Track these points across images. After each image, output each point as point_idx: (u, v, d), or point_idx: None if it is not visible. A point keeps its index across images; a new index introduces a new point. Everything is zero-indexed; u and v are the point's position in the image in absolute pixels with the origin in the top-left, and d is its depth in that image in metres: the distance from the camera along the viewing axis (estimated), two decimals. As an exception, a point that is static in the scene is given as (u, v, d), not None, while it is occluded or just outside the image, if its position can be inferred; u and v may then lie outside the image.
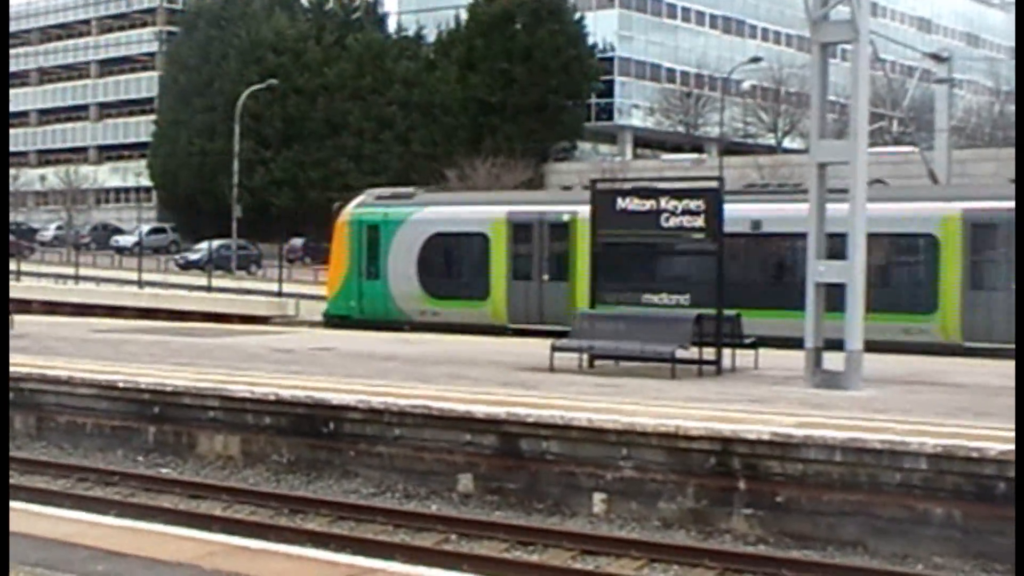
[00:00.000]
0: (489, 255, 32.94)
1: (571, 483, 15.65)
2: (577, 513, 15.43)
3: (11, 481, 17.40)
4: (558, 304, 31.59)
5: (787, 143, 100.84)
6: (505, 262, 32.98)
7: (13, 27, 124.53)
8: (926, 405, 17.07)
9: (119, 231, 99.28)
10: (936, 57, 51.57)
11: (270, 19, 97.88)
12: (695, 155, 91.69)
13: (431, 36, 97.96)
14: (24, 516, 11.70)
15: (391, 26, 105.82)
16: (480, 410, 16.38)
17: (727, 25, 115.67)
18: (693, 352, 21.46)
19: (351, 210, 36.84)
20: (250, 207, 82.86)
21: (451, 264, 35.18)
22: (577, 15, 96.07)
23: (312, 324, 40.48)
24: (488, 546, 14.04)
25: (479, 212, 34.38)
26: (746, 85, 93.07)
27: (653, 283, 25.77)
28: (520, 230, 31.97)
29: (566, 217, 32.02)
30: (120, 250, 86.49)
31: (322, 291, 41.16)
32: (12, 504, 12.71)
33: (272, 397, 18.15)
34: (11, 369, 21.61)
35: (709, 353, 21.57)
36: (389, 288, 34.58)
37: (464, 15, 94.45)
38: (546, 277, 32.35)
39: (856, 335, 18.78)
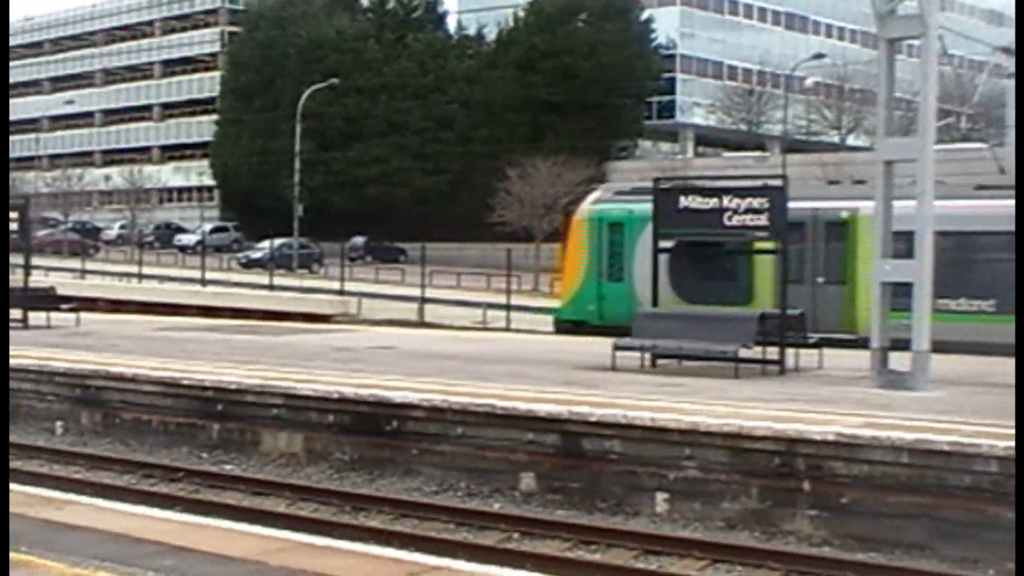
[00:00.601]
0: (752, 255, 28.75)
1: (633, 483, 15.58)
2: (639, 513, 15.35)
3: (79, 476, 17.60)
4: (833, 310, 28.59)
5: (851, 140, 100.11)
6: (771, 263, 29.80)
7: (79, 29, 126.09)
8: (994, 407, 16.85)
9: (182, 230, 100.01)
10: (1007, 51, 50.89)
11: (330, 19, 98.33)
12: (757, 153, 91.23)
13: (491, 35, 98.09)
14: (91, 511, 11.79)
15: (451, 25, 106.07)
16: (542, 409, 16.33)
17: (790, 21, 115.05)
18: (756, 352, 21.32)
19: (588, 207, 33.49)
20: (311, 206, 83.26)
21: (707, 265, 31.10)
22: (639, 13, 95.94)
23: (373, 322, 40.55)
24: (550, 545, 14.00)
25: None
26: (809, 82, 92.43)
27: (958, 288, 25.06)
28: (789, 229, 27.36)
29: (844, 214, 29.37)
30: (183, 249, 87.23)
31: (384, 289, 41.29)
32: (79, 498, 12.82)
33: (335, 395, 18.19)
34: (78, 366, 21.81)
35: (772, 353, 21.42)
36: (635, 291, 30.40)
37: (523, 14, 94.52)
38: (820, 280, 29.36)
39: (924, 335, 18.57)
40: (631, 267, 31.07)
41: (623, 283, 31.41)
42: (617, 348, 21.99)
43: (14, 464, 18.51)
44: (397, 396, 17.66)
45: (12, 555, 9.24)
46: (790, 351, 21.53)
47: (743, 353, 20.92)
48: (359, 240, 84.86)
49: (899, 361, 18.98)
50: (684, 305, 28.19)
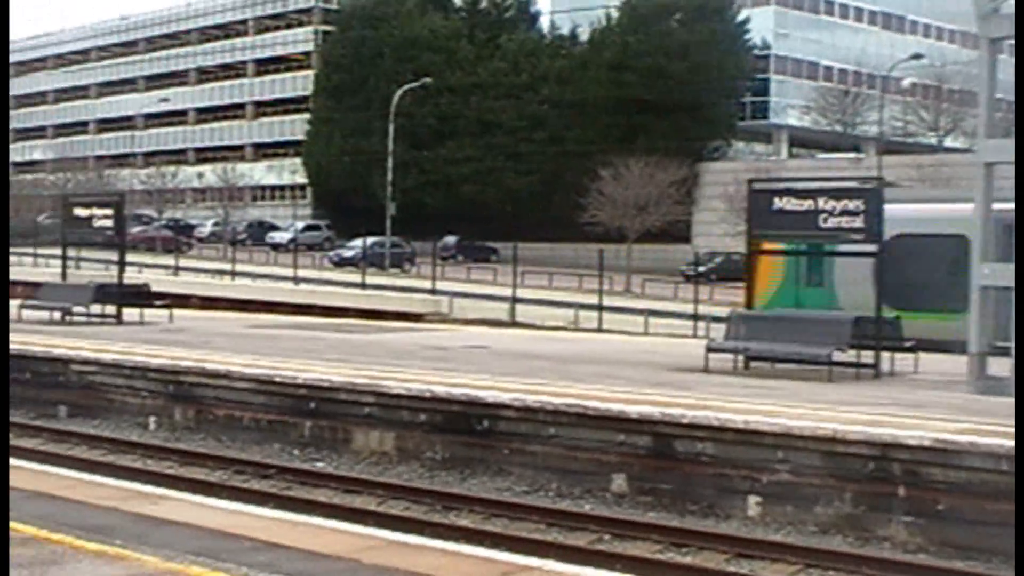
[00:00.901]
0: (970, 261, 26.93)
1: (725, 485, 15.46)
2: (731, 516, 15.23)
3: (171, 472, 17.76)
4: None
5: (948, 142, 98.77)
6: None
7: (173, 28, 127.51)
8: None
9: (274, 228, 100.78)
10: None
11: (423, 18, 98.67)
12: (852, 155, 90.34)
13: (584, 34, 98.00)
14: (184, 506, 11.89)
15: (543, 24, 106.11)
16: (634, 410, 16.25)
17: (887, 21, 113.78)
18: (851, 355, 21.09)
19: None
20: (403, 205, 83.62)
21: (918, 270, 28.65)
22: (735, 13, 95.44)
23: (465, 322, 40.60)
24: (642, 547, 13.92)
25: (956, 210, 27.63)
26: (906, 83, 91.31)
27: None
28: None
29: None
30: (275, 246, 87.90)
31: (475, 289, 41.34)
32: (173, 494, 12.92)
33: (427, 394, 18.22)
34: (171, 362, 22.03)
35: (867, 356, 21.17)
36: (836, 295, 28.80)
37: (616, 13, 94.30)
38: None
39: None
40: (831, 271, 29.11)
41: (823, 288, 29.28)
42: (710, 350, 21.88)
43: (108, 458, 18.75)
44: (489, 396, 17.65)
45: (108, 548, 9.33)
46: (885, 355, 21.28)
47: (837, 356, 20.71)
48: (451, 239, 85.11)
49: (999, 366, 18.70)
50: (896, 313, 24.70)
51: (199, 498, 12.98)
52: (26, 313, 32.26)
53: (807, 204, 21.54)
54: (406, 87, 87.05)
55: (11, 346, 24.70)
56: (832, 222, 21.23)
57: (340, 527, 11.39)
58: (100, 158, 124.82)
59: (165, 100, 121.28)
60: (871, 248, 21.64)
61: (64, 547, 9.36)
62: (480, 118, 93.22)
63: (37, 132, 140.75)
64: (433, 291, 54.63)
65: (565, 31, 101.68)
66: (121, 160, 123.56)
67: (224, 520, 11.04)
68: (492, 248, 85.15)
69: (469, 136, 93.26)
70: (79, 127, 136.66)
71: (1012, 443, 13.70)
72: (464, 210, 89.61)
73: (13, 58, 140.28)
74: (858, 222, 21.06)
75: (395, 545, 10.36)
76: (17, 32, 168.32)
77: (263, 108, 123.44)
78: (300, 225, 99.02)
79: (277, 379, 20.16)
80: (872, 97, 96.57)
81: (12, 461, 15.58)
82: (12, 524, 10.04)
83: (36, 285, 36.02)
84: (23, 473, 13.88)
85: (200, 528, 10.62)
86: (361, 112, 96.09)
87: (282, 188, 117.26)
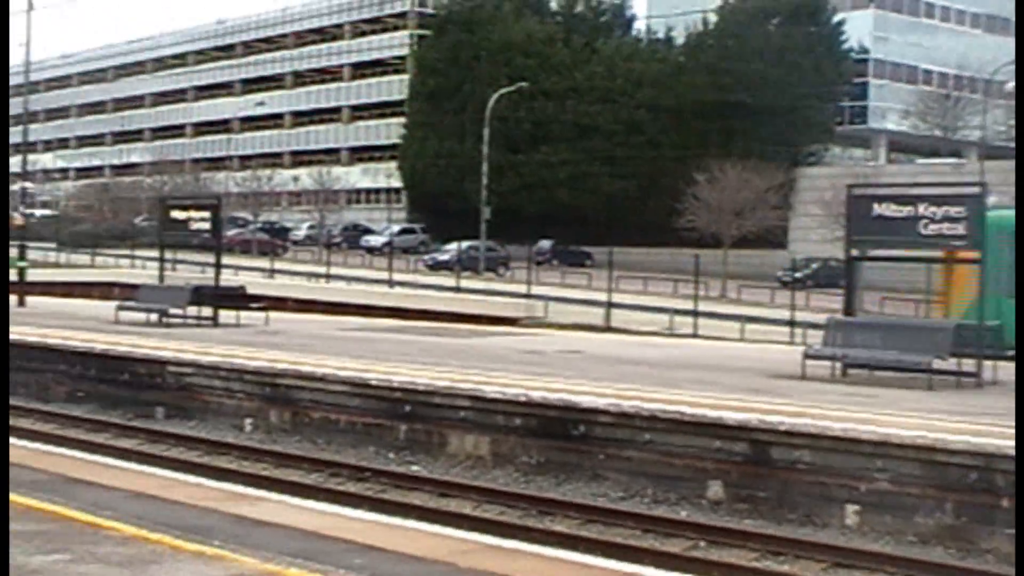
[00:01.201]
0: None
1: (823, 493, 15.28)
2: (829, 524, 15.05)
3: (266, 473, 17.86)
4: None
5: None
6: None
7: (270, 32, 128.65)
8: None
9: (369, 231, 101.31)
10: None
11: (519, 22, 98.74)
12: (953, 160, 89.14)
13: (680, 38, 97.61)
14: (281, 508, 11.95)
15: (639, 29, 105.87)
16: (731, 416, 16.11)
17: (990, 24, 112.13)
18: (952, 363, 20.78)
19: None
20: (498, 208, 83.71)
21: None
22: (831, 16, 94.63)
23: (560, 327, 40.55)
24: (738, 555, 13.80)
25: None
26: (1010, 86, 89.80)
27: None
28: None
29: None
30: (370, 250, 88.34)
31: (570, 293, 41.15)
32: (269, 495, 12.99)
33: (522, 399, 18.19)
34: (267, 365, 22.18)
35: (969, 364, 20.84)
36: None
37: (713, 17, 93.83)
38: None
39: None
40: None
41: None
42: (808, 357, 21.66)
43: (204, 459, 18.90)
44: (584, 401, 17.59)
45: (206, 549, 9.39)
46: (987, 363, 20.93)
47: (938, 365, 20.40)
48: (546, 243, 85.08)
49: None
50: None
51: (296, 500, 13.05)
52: (123, 315, 32.68)
53: (907, 210, 21.28)
54: (502, 91, 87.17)
55: (110, 347, 25.08)
56: (933, 228, 20.94)
57: (435, 530, 11.40)
58: (196, 161, 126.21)
59: (261, 104, 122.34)
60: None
61: (163, 547, 9.43)
62: (576, 122, 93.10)
63: (135, 135, 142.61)
64: (528, 295, 54.61)
65: (660, 35, 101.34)
66: (217, 163, 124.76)
67: (320, 522, 11.09)
68: (587, 252, 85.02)
69: (565, 140, 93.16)
70: (176, 130, 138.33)
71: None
72: (559, 214, 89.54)
73: (113, 63, 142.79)
74: (960, 228, 20.76)
75: (490, 549, 10.36)
76: (116, 37, 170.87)
77: (359, 112, 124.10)
78: (395, 228, 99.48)
79: (372, 382, 20.22)
80: (974, 101, 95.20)
81: (110, 460, 15.81)
82: (113, 523, 10.15)
83: (133, 287, 36.49)
84: (123, 473, 14.06)
85: (297, 530, 10.67)
86: (456, 116, 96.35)
87: (377, 191, 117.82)
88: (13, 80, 64.23)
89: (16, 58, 58.27)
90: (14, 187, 57.02)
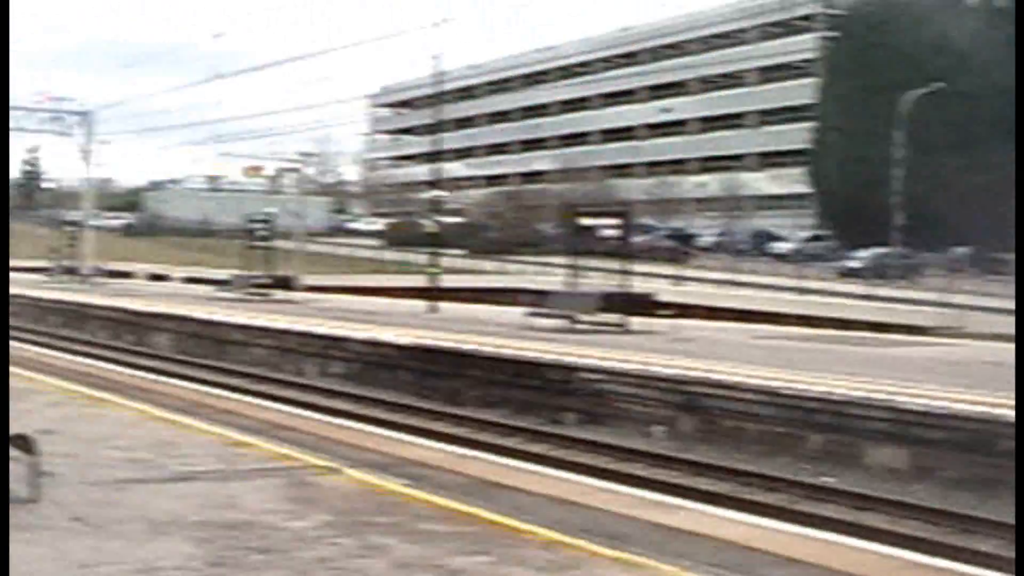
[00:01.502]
0: None
1: None
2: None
3: (679, 481, 17.75)
4: None
5: None
6: None
7: (675, 38, 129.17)
8: None
9: (776, 237, 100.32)
10: None
11: (931, 21, 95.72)
12: None
13: None
14: (699, 517, 11.83)
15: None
16: None
17: None
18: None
19: None
20: (912, 214, 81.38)
21: None
22: None
23: (981, 336, 38.94)
24: None
25: None
26: None
27: None
28: None
29: None
30: (778, 256, 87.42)
31: (990, 302, 39.11)
32: (685, 503, 12.84)
33: (944, 411, 17.46)
34: (678, 372, 22.10)
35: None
36: None
37: None
38: None
39: None
40: None
41: None
42: None
43: (613, 466, 18.89)
44: (1011, 415, 16.71)
45: (625, 555, 9.33)
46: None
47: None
48: (962, 250, 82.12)
49: None
50: None
51: (713, 509, 12.88)
52: (533, 320, 33.30)
53: None
54: (916, 93, 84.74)
55: (519, 353, 25.58)
56: None
57: (856, 544, 11.00)
58: (602, 168, 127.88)
59: (667, 110, 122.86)
60: None
61: (583, 553, 9.44)
62: (997, 124, 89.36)
63: (540, 143, 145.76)
64: (943, 304, 52.70)
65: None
66: (623, 170, 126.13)
67: (739, 533, 10.91)
68: (1006, 260, 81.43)
69: (983, 142, 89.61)
70: (581, 137, 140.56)
71: None
72: (978, 220, 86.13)
73: (519, 72, 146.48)
74: None
75: (918, 567, 9.93)
76: (520, 47, 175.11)
77: (766, 116, 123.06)
78: (804, 235, 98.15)
79: (785, 391, 19.87)
80: None
81: (523, 465, 16.05)
82: (530, 527, 10.23)
83: (541, 293, 37.15)
84: (539, 478, 14.24)
85: (716, 539, 10.52)
86: (868, 119, 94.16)
87: (783, 197, 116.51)
88: (425, 91, 66.63)
89: (427, 70, 60.66)
90: (426, 195, 59.27)
